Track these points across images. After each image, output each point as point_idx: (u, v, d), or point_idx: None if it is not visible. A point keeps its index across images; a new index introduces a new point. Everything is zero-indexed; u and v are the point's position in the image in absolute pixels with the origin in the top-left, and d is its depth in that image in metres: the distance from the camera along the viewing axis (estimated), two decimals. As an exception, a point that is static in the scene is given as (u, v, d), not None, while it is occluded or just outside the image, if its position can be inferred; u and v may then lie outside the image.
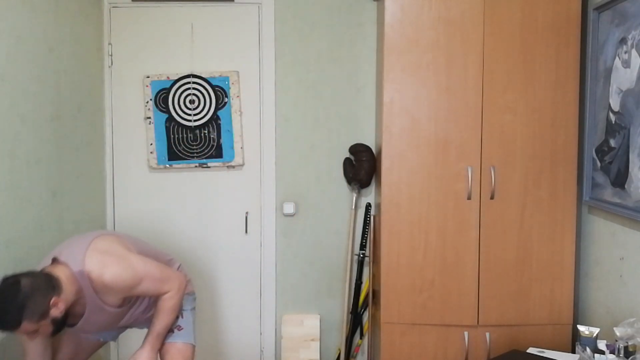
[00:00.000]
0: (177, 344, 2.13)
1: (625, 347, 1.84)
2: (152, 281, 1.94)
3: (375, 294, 2.83)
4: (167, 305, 2.01)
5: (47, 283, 1.70)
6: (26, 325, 1.66)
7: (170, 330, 2.11)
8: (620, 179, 2.16)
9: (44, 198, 2.32)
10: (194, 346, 2.18)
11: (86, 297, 1.83)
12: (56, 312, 1.72)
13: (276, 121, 3.01)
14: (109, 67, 3.00)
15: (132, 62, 2.99)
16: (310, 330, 2.98)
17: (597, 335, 1.99)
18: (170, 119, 2.98)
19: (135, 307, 2.04)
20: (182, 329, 2.16)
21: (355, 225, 3.00)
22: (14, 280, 1.66)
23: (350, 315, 2.96)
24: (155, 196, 3.04)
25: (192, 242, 3.06)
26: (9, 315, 1.63)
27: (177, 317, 2.13)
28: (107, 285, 1.84)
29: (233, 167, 3.01)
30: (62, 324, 1.78)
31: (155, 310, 2.03)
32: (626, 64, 2.13)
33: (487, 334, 2.52)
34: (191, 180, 3.04)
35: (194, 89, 2.98)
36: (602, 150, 2.32)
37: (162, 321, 2.02)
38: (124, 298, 1.95)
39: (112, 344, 3.08)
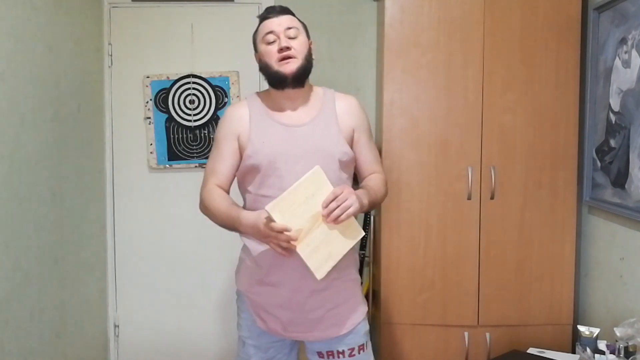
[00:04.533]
0: None
1: (626, 348, 1.84)
2: None
3: (375, 294, 2.83)
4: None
5: None
6: None
7: None
8: (620, 179, 2.16)
9: (44, 198, 2.31)
10: None
11: None
12: None
13: (276, 121, 3.00)
14: (109, 67, 2.99)
15: (132, 62, 2.99)
16: (310, 331, 2.98)
17: (597, 335, 1.99)
18: (170, 119, 2.98)
19: None
20: None
21: (355, 226, 3.00)
22: None
23: (350, 315, 2.95)
24: (155, 196, 3.04)
25: (192, 242, 3.06)
26: None
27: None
28: None
29: (233, 167, 3.00)
30: None
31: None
32: (626, 64, 2.13)
33: (487, 334, 2.52)
34: (191, 180, 3.03)
35: (193, 89, 2.98)
36: (602, 150, 2.31)
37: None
38: None
39: (112, 344, 3.08)
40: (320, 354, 1.81)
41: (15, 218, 2.08)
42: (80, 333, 2.69)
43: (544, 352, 2.17)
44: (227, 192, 1.82)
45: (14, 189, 2.08)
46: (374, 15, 2.97)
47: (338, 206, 1.58)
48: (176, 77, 2.98)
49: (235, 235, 3.19)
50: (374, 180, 1.84)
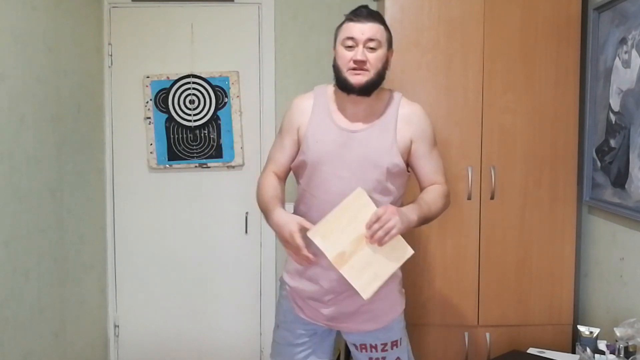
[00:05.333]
0: None
1: (626, 348, 1.84)
2: None
3: (375, 294, 2.83)
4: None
5: None
6: None
7: None
8: (620, 179, 2.16)
9: (44, 198, 2.31)
10: None
11: None
12: None
13: (276, 121, 3.00)
14: (109, 67, 2.99)
15: (132, 62, 2.99)
16: (310, 331, 2.98)
17: (597, 335, 1.99)
18: (170, 119, 2.98)
19: None
20: None
21: (355, 226, 3.00)
22: None
23: (350, 315, 2.95)
24: (155, 196, 3.04)
25: (192, 242, 3.06)
26: None
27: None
28: None
29: (233, 167, 3.01)
30: None
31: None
32: (626, 64, 2.13)
33: (487, 334, 2.52)
34: (191, 180, 3.04)
35: (193, 89, 2.98)
36: (602, 150, 2.31)
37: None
38: None
39: (112, 344, 3.08)
40: (354, 345, 1.87)
41: (15, 218, 2.09)
42: (80, 333, 2.69)
43: (544, 352, 2.17)
44: (284, 179, 1.87)
45: (14, 189, 2.08)
46: (374, 15, 2.97)
47: (381, 227, 1.57)
48: (176, 77, 2.98)
49: (235, 234, 3.20)
50: (431, 192, 1.79)
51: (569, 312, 2.51)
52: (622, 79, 2.16)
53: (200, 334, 3.09)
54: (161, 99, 2.98)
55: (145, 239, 3.05)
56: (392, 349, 1.83)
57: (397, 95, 1.84)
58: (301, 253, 1.60)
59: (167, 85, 2.97)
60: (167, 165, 3.00)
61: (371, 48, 1.70)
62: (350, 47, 1.70)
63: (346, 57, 1.70)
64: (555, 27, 2.46)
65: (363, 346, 1.84)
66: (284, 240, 1.63)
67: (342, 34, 1.73)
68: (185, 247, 3.06)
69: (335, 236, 1.59)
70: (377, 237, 1.57)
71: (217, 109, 2.98)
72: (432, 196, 1.77)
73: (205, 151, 2.99)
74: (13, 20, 2.07)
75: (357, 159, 1.71)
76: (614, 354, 1.89)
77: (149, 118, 2.98)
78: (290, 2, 2.99)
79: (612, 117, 2.23)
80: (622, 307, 2.19)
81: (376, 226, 1.57)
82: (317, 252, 1.62)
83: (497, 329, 2.52)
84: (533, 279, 2.51)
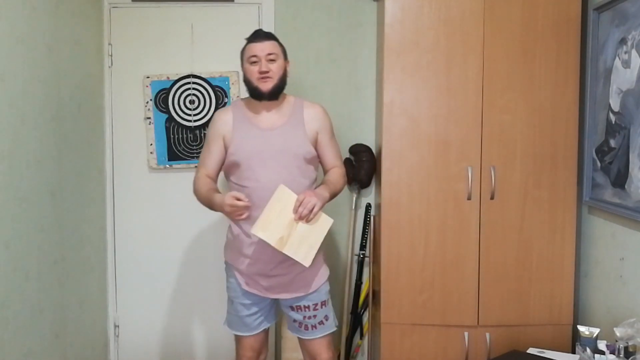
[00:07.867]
0: (327, 338, 2.31)
1: (626, 348, 1.84)
2: None
3: (375, 294, 2.83)
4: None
5: None
6: None
7: (320, 323, 2.26)
8: (620, 179, 2.16)
9: (44, 198, 2.31)
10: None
11: None
12: None
13: (276, 121, 3.01)
14: (109, 67, 2.99)
15: (132, 62, 2.99)
16: (310, 331, 2.99)
17: (597, 335, 1.99)
18: (170, 119, 2.98)
19: None
20: (329, 318, 2.31)
21: (355, 226, 3.00)
22: None
23: (350, 315, 2.96)
24: (155, 196, 3.04)
25: (191, 241, 3.06)
26: None
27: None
28: None
29: (233, 167, 3.01)
30: None
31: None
32: (626, 64, 2.13)
33: (487, 334, 2.52)
34: (191, 180, 3.02)
35: (193, 89, 2.98)
36: (602, 150, 2.32)
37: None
38: None
39: (112, 344, 3.08)
40: (291, 307, 2.27)
41: (15, 218, 2.09)
42: (80, 333, 2.69)
43: (544, 352, 2.17)
44: (215, 180, 2.27)
45: (14, 189, 2.08)
46: (374, 15, 2.97)
47: (304, 208, 2.02)
48: (176, 77, 2.98)
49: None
50: (333, 174, 2.28)
51: (568, 312, 2.51)
52: (622, 79, 2.16)
53: (200, 334, 3.09)
54: (161, 99, 2.98)
55: (145, 239, 3.05)
56: (321, 307, 2.26)
57: (299, 99, 2.30)
58: (242, 205, 1.99)
59: (167, 86, 2.98)
60: (167, 166, 3.00)
61: (271, 60, 2.16)
62: (254, 62, 2.17)
63: (253, 70, 2.17)
64: (555, 27, 2.46)
65: (298, 307, 2.25)
66: (229, 209, 2.01)
67: (247, 54, 2.19)
68: (185, 247, 3.06)
69: (272, 226, 1.99)
70: (303, 216, 2.02)
71: (217, 109, 2.98)
72: (335, 177, 2.27)
73: (205, 151, 2.99)
74: (13, 20, 2.07)
75: (278, 152, 2.15)
76: (614, 354, 1.89)
77: (149, 118, 2.98)
78: (290, 2, 2.99)
79: (612, 117, 2.23)
80: (622, 307, 2.20)
81: (301, 209, 2.02)
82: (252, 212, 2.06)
83: (497, 329, 2.52)
84: (533, 279, 2.51)
